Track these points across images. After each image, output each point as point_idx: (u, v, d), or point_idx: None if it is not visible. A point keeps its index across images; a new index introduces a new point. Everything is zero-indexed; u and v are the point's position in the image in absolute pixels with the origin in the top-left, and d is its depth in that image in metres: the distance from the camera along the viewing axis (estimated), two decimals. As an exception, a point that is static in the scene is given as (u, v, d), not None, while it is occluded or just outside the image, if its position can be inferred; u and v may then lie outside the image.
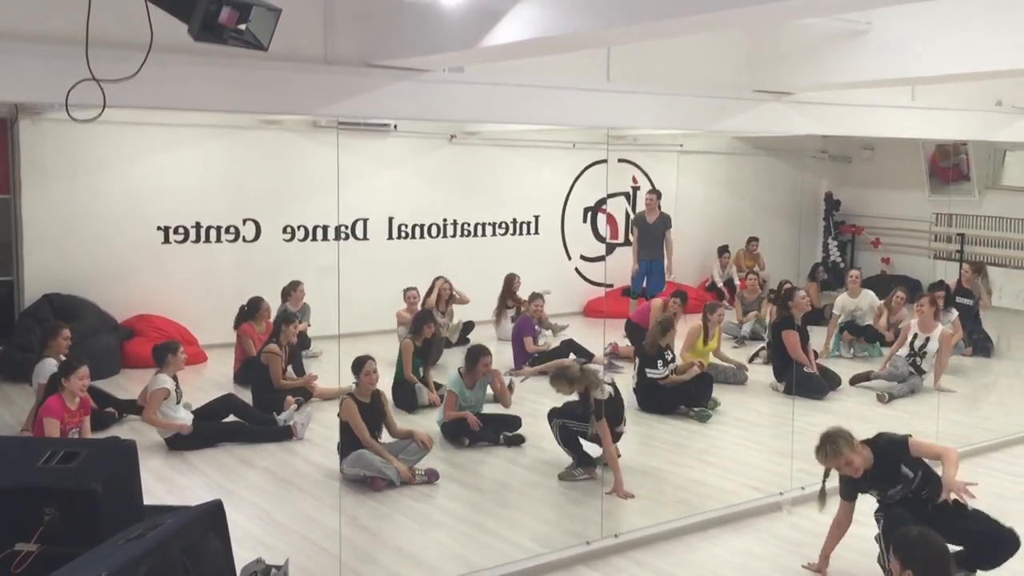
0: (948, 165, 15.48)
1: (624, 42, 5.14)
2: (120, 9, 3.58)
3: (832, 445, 5.27)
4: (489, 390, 8.13)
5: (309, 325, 10.34)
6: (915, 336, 9.62)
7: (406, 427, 7.18)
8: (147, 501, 5.14)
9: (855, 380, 9.74)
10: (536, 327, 10.59)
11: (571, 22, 3.99)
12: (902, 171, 15.48)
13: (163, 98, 4.67)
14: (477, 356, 7.87)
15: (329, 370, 8.72)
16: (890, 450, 5.35)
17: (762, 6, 3.29)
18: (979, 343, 11.06)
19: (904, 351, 9.63)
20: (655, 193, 13.07)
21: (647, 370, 8.84)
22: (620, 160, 14.37)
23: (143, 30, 3.40)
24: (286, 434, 7.74)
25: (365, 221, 12.12)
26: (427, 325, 9.15)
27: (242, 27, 3.42)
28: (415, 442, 6.91)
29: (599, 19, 3.86)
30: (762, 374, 9.85)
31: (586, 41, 4.56)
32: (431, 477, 6.79)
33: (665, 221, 12.47)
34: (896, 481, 5.31)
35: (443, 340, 10.40)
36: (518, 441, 7.75)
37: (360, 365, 6.89)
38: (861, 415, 8.81)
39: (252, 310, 9.75)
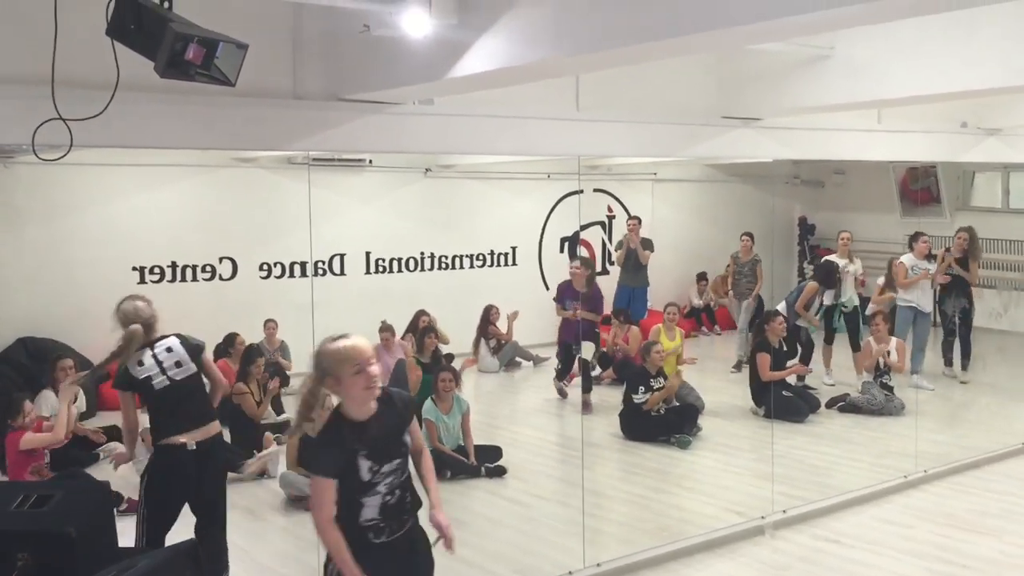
0: (918, 188, 15.66)
1: (590, 70, 5.19)
2: (86, 48, 3.59)
3: None
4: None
5: (290, 365, 10.29)
6: (876, 353, 9.80)
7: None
8: (122, 543, 5.09)
9: (832, 403, 9.80)
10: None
11: (536, 51, 4.03)
12: (874, 194, 15.63)
13: (131, 137, 4.66)
14: (436, 374, 7.96)
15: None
16: None
17: (722, 31, 3.33)
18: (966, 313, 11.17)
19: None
20: (636, 219, 13.14)
21: (632, 395, 8.86)
22: (595, 190, 14.47)
23: (110, 68, 3.41)
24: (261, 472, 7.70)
25: (342, 256, 12.12)
26: (428, 338, 9.27)
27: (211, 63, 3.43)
28: None
29: (564, 47, 3.90)
30: (741, 399, 9.87)
31: (552, 70, 4.60)
32: None
33: (647, 245, 12.48)
34: None
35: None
36: (500, 472, 7.72)
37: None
38: (841, 437, 8.87)
39: (227, 346, 9.69)
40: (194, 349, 5.22)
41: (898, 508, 6.95)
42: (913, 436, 8.11)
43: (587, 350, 10.12)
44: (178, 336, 5.23)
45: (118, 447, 8.25)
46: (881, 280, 11.10)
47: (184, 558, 4.14)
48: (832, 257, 10.91)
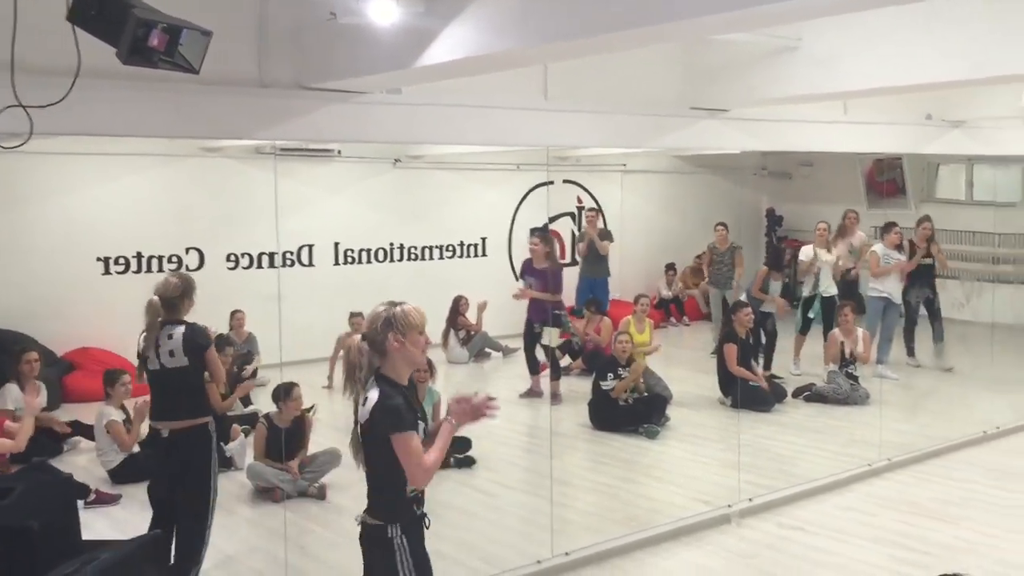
0: (884, 179, 15.84)
1: (557, 59, 5.19)
2: (47, 33, 3.52)
3: None
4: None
5: (259, 357, 10.22)
6: (842, 344, 9.89)
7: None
8: (87, 536, 5.05)
9: (798, 393, 9.91)
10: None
11: (504, 40, 4.02)
12: (841, 186, 15.78)
13: (93, 124, 4.59)
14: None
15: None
16: None
17: (687, 21, 3.34)
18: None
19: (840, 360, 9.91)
20: (594, 210, 13.17)
21: (600, 383, 8.89)
22: (565, 181, 14.49)
23: (71, 55, 3.35)
24: (228, 463, 7.64)
25: (310, 247, 12.05)
26: None
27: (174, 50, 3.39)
28: (325, 455, 7.18)
29: (531, 37, 3.90)
30: (708, 389, 9.94)
31: (519, 59, 4.60)
32: (320, 493, 7.01)
33: (605, 236, 12.52)
34: None
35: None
36: (469, 463, 7.72)
37: (288, 391, 7.13)
38: (806, 426, 8.96)
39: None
40: (195, 345, 5.24)
41: (862, 496, 7.04)
42: (877, 425, 8.21)
43: (549, 336, 9.89)
44: (188, 326, 5.27)
45: (82, 441, 8.21)
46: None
47: (147, 550, 4.10)
48: (809, 247, 10.95)
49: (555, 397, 9.53)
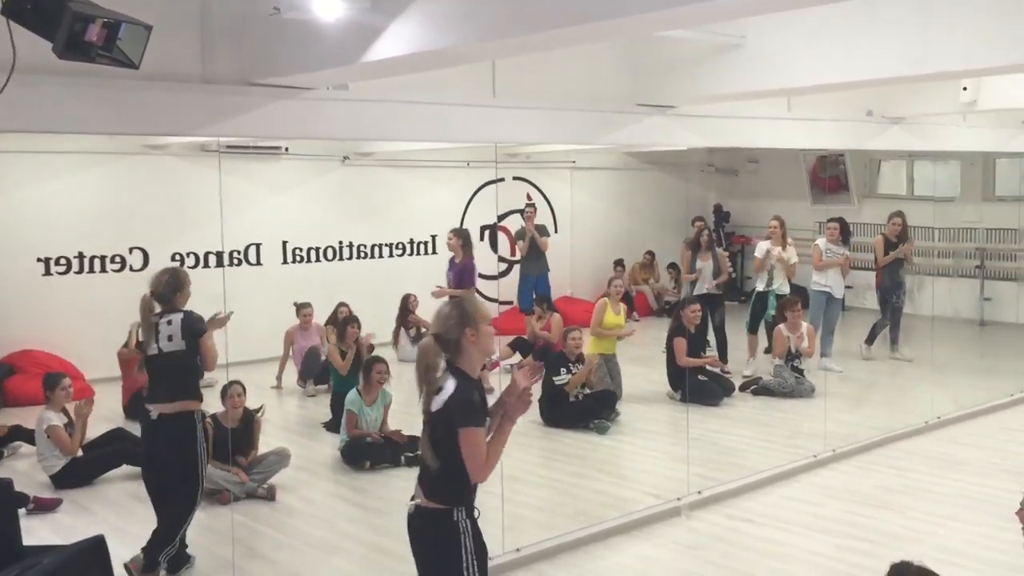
0: (828, 175, 16.12)
1: (503, 56, 5.19)
2: (-21, 28, 3.44)
3: None
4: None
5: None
6: (788, 338, 10.03)
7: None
8: (29, 541, 4.94)
9: (745, 387, 10.04)
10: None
11: (449, 36, 4.01)
12: (786, 182, 16.03)
13: (30, 121, 4.48)
14: (371, 365, 7.86)
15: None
16: None
17: (632, 17, 3.36)
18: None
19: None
20: (532, 206, 13.22)
21: (553, 379, 8.93)
22: (515, 178, 14.51)
23: (5, 49, 3.27)
24: None
25: (258, 246, 11.92)
26: (350, 327, 9.13)
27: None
28: (274, 455, 7.11)
29: (476, 32, 3.89)
30: (658, 384, 10.02)
31: (465, 55, 4.59)
32: (270, 494, 6.92)
33: (543, 232, 12.54)
34: None
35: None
36: (419, 462, 7.67)
37: (225, 390, 7.09)
38: (754, 419, 9.08)
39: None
40: (193, 330, 5.51)
41: (808, 487, 7.15)
42: (822, 417, 8.34)
43: None
44: (186, 313, 5.55)
45: (23, 446, 8.03)
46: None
47: (89, 555, 4.03)
48: (763, 243, 11.01)
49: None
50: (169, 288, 5.51)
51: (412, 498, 3.76)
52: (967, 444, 8.22)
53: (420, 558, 3.80)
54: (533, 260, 12.31)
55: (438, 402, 3.54)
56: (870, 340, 11.57)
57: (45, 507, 6.70)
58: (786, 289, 10.88)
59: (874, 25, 5.45)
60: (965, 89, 8.11)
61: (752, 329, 10.95)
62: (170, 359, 5.47)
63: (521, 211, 14.65)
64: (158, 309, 5.50)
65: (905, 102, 8.87)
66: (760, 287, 10.88)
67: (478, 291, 13.94)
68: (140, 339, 5.63)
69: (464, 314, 3.58)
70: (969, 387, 10.07)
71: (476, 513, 3.75)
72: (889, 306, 11.44)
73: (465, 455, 3.50)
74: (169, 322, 5.49)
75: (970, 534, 6.08)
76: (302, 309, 10.57)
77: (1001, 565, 5.13)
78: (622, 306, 10.26)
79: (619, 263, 14.97)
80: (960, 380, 10.42)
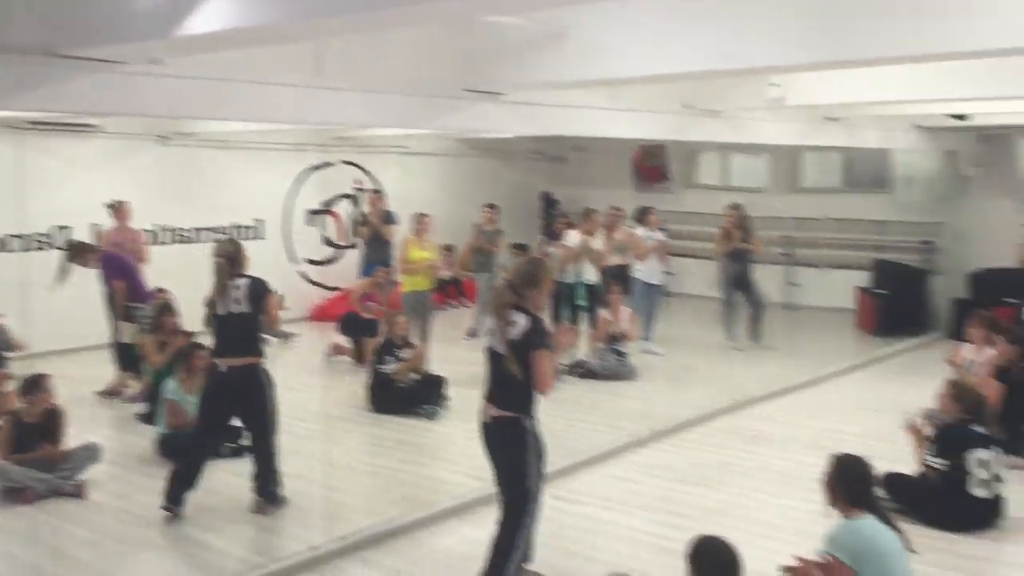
0: (650, 165, 16.72)
1: (323, 35, 5.07)
2: None
3: None
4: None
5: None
6: (609, 322, 10.37)
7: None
8: None
9: (570, 370, 10.24)
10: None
11: (267, 14, 3.87)
12: (612, 170, 16.52)
13: None
14: (190, 353, 7.57)
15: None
16: None
17: (446, 1, 3.36)
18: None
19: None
20: (377, 192, 13.04)
21: (379, 367, 8.86)
22: (344, 162, 14.28)
23: None
24: None
25: (65, 229, 11.22)
26: (166, 316, 8.68)
27: None
28: (83, 450, 6.77)
29: (295, 11, 3.78)
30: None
31: (284, 34, 4.45)
32: (79, 491, 6.56)
33: (389, 219, 12.30)
34: None
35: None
36: (239, 452, 7.45)
37: (34, 385, 6.71)
38: (578, 401, 9.27)
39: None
40: (257, 294, 6.11)
41: (629, 465, 7.41)
42: (643, 398, 8.65)
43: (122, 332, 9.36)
44: (252, 279, 6.14)
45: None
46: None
47: None
48: (575, 233, 11.08)
49: None
50: (235, 247, 6.23)
51: (484, 413, 4.90)
52: (773, 421, 8.72)
53: (497, 456, 4.92)
54: (377, 249, 11.98)
55: (516, 331, 4.64)
56: (729, 334, 11.83)
57: None
58: (595, 278, 10.92)
59: (690, 19, 5.61)
60: (777, 85, 8.53)
61: (573, 320, 10.81)
62: (236, 320, 6.08)
63: (351, 196, 14.47)
64: (227, 272, 6.07)
65: (720, 96, 9.23)
66: (570, 279, 10.78)
67: (304, 275, 13.79)
68: (210, 298, 6.13)
69: (542, 274, 4.86)
70: (776, 367, 10.70)
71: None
72: (736, 296, 11.81)
73: (538, 371, 4.60)
74: (237, 287, 6.07)
75: (775, 506, 6.46)
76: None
77: (802, 533, 5.46)
78: (431, 241, 10.44)
79: (449, 248, 14.93)
80: (767, 362, 11.04)
